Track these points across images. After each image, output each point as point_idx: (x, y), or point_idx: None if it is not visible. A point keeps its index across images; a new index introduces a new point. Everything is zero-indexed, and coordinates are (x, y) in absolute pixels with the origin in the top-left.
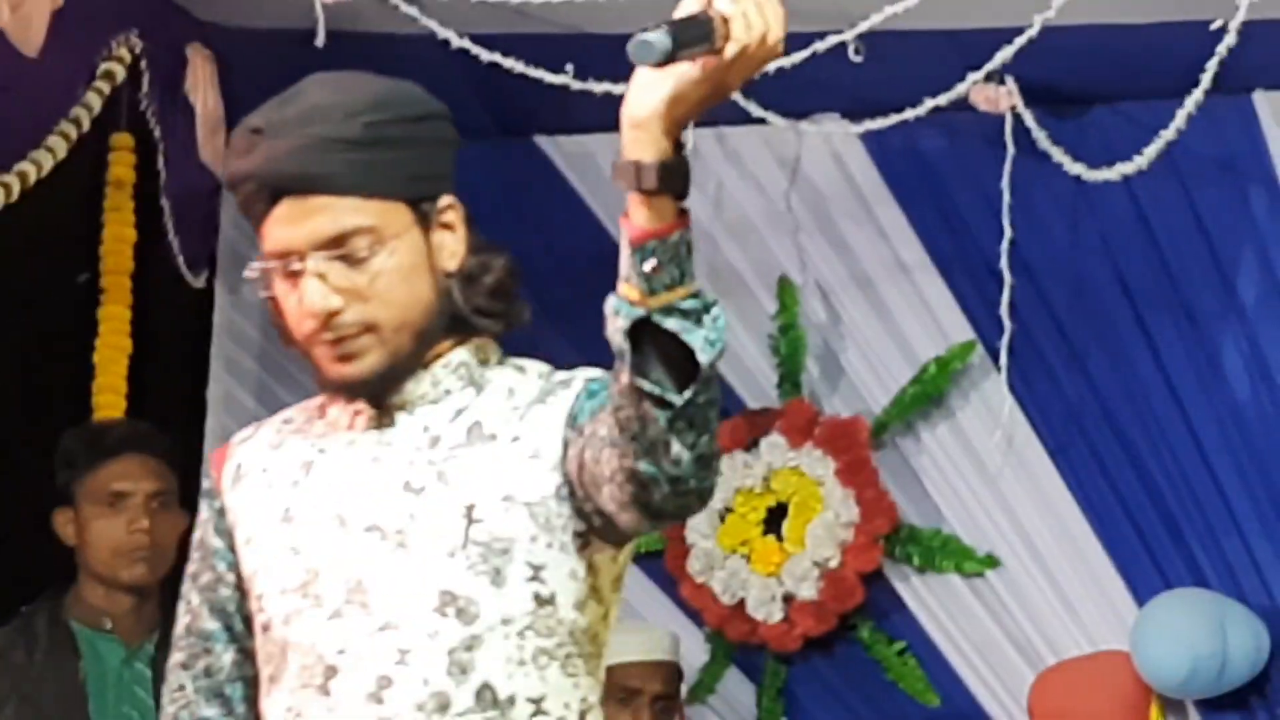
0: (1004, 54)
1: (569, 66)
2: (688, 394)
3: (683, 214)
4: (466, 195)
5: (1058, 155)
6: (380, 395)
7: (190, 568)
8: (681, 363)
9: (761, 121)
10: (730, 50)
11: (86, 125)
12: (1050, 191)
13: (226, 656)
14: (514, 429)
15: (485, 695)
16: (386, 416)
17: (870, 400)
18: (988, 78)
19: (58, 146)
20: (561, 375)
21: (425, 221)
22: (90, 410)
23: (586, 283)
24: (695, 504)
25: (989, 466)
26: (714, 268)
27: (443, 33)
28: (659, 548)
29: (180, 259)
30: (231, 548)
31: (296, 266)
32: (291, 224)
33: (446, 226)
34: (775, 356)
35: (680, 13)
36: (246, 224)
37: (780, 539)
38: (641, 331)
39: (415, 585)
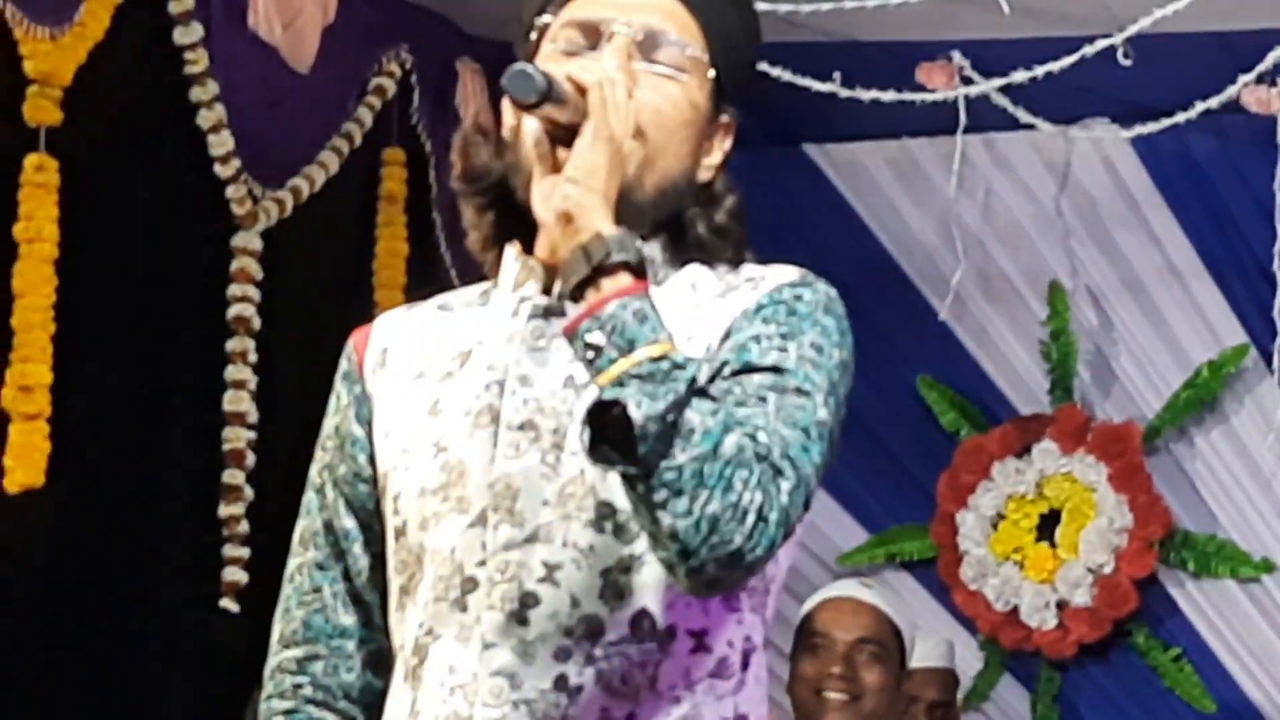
0: (1275, 55)
1: (836, 74)
2: (644, 455)
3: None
4: None
5: None
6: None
7: (324, 457)
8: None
9: (1030, 127)
10: (586, 132)
11: (358, 140)
12: None
13: (365, 560)
14: (689, 326)
15: (642, 624)
16: (555, 306)
17: (1143, 405)
18: (1259, 79)
19: (330, 162)
20: (758, 271)
21: (715, 112)
22: None
23: (856, 291)
24: (723, 571)
25: (1264, 470)
26: (984, 274)
27: None
28: (932, 555)
29: (453, 272)
30: (370, 438)
31: (605, 29)
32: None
33: (718, 138)
34: (1047, 362)
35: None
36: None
37: (1053, 545)
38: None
39: (569, 492)
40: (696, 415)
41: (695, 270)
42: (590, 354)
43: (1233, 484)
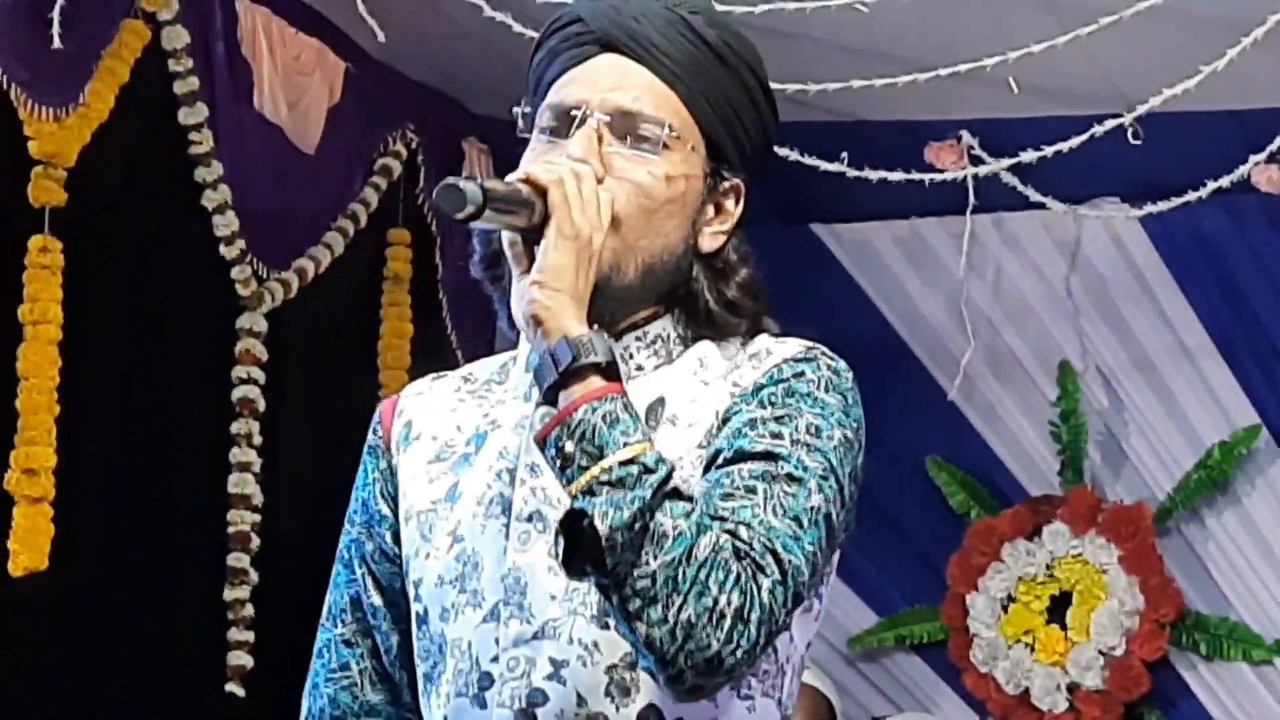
0: None
1: (844, 154)
2: (613, 566)
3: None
4: None
5: None
6: None
7: (352, 531)
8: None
9: (1040, 206)
10: (550, 233)
11: (364, 221)
12: None
13: (393, 638)
14: (696, 405)
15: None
16: None
17: (1154, 486)
18: (1269, 158)
19: (335, 242)
20: (764, 345)
21: (711, 179)
22: None
23: (865, 370)
24: (703, 679)
25: (1276, 551)
26: (994, 354)
27: None
28: (942, 637)
29: (459, 353)
30: (396, 516)
31: (576, 114)
32: (596, 80)
33: (720, 207)
34: (1057, 443)
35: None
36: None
37: (1064, 628)
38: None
39: (575, 587)
40: (669, 519)
41: (705, 346)
42: (561, 462)
43: (1245, 565)
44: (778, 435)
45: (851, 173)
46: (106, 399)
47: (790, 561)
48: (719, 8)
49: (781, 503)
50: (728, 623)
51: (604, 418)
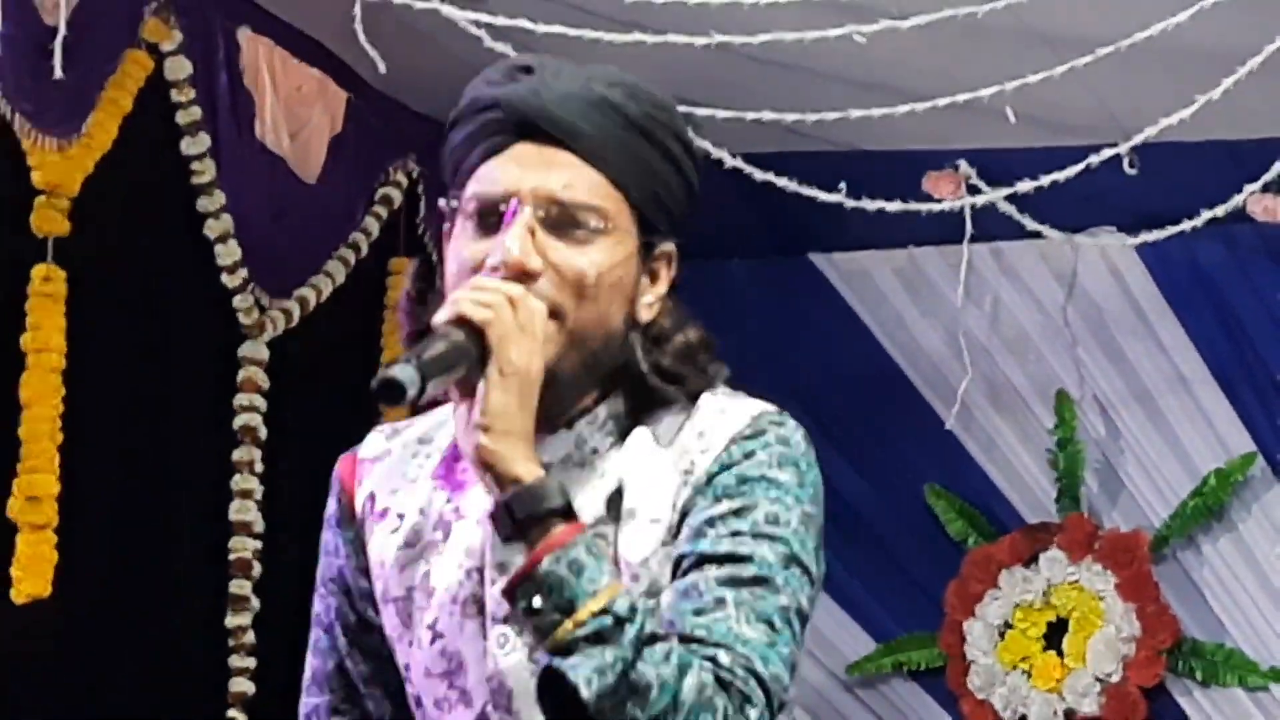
0: None
1: (842, 184)
2: None
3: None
4: (742, 312)
5: None
6: None
7: (330, 600)
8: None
9: (1037, 235)
10: (491, 373)
11: (365, 250)
12: None
13: (386, 705)
14: (652, 502)
15: None
16: None
17: (1150, 514)
18: (1265, 188)
19: (337, 271)
20: (707, 422)
21: (646, 252)
22: None
23: (863, 400)
24: None
25: (1272, 578)
26: (991, 383)
27: (716, 152)
28: (940, 664)
29: None
30: (372, 593)
31: (504, 208)
32: (523, 168)
33: (653, 274)
34: (1054, 471)
35: (433, 340)
36: None
37: (1061, 654)
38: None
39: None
40: (651, 669)
41: (653, 421)
42: (532, 617)
43: (1241, 592)
44: (737, 533)
45: (849, 202)
46: (109, 427)
47: (771, 675)
48: (720, 33)
49: (753, 608)
50: None
51: (569, 567)
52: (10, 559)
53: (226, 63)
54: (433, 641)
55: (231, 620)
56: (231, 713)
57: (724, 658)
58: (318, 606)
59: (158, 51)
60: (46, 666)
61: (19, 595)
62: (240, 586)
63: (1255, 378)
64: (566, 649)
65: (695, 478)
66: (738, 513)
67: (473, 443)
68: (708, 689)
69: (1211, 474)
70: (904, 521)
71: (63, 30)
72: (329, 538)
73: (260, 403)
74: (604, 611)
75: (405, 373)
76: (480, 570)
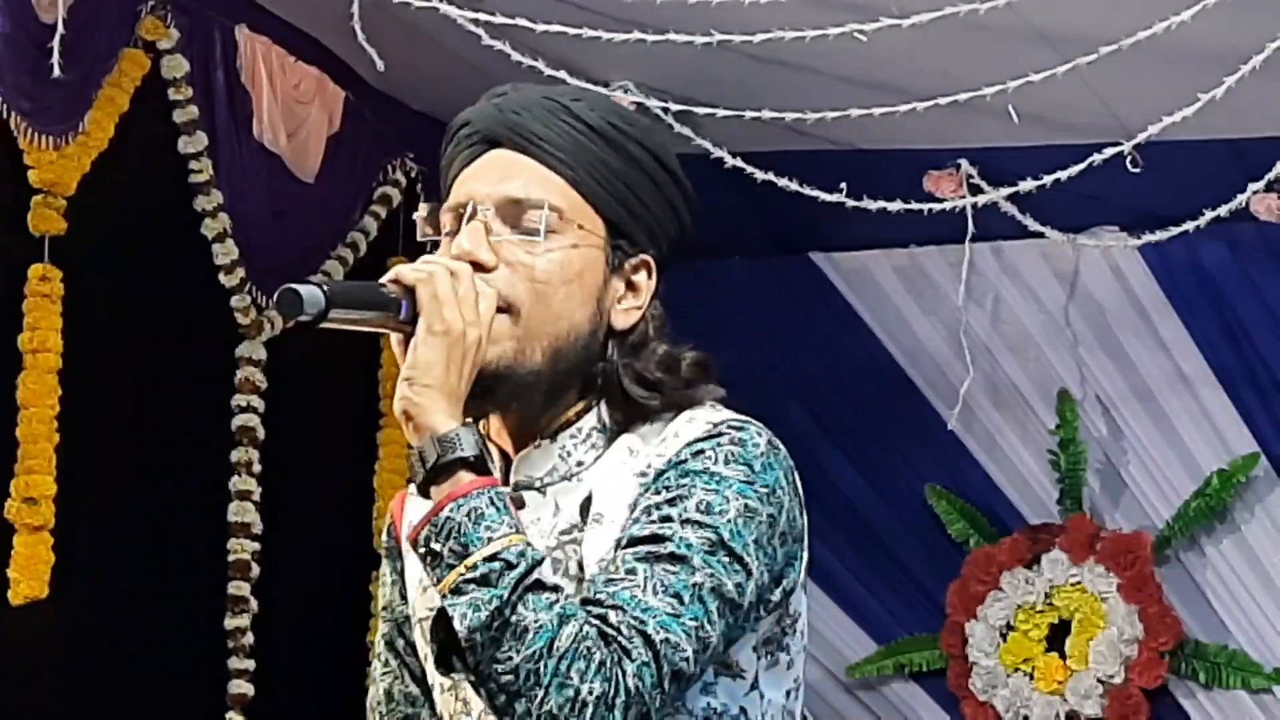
0: None
1: (843, 184)
2: (475, 664)
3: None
4: (742, 311)
5: None
6: (485, 401)
7: (383, 626)
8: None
9: (1039, 235)
10: (419, 330)
11: (364, 249)
12: None
13: None
14: (614, 505)
15: None
16: (514, 496)
17: (1153, 514)
18: (1268, 187)
19: (335, 270)
20: (675, 429)
21: (615, 257)
22: (371, 535)
23: (864, 398)
24: None
25: (1275, 579)
26: (993, 383)
27: (716, 152)
28: (941, 666)
29: None
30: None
31: (464, 211)
32: (484, 177)
33: (631, 284)
34: (1056, 471)
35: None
36: None
37: (1063, 656)
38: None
39: None
40: (531, 613)
41: (632, 433)
42: (431, 561)
43: (1244, 593)
44: (666, 518)
45: (850, 202)
46: (106, 428)
47: (663, 640)
48: (719, 32)
49: (662, 581)
50: (589, 710)
51: (469, 514)
52: (8, 560)
53: (224, 61)
54: (449, 688)
55: (230, 622)
56: (230, 715)
57: (613, 616)
58: (379, 631)
59: (155, 50)
60: (44, 668)
61: (16, 597)
62: (239, 588)
63: (1258, 378)
64: (456, 591)
65: (648, 479)
66: (671, 501)
67: (399, 395)
68: (588, 639)
69: (1214, 474)
70: (905, 522)
71: (60, 29)
72: (384, 568)
73: (258, 403)
74: (493, 557)
75: (308, 290)
76: None
